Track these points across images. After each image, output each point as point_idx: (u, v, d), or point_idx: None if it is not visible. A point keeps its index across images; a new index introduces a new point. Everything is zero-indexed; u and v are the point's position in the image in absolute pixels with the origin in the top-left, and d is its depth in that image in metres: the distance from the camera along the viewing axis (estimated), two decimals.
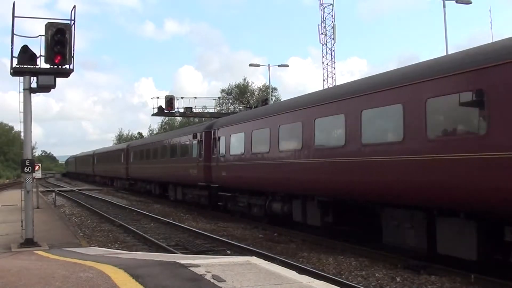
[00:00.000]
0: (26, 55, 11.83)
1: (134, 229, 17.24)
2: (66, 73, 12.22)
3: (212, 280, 6.41)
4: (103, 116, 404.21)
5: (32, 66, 11.87)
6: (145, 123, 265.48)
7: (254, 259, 8.39)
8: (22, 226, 12.20)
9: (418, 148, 10.04)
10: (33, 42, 12.17)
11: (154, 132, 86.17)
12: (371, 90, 11.65)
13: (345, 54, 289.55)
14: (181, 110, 39.08)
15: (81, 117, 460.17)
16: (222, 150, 20.71)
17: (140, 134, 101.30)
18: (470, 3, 29.49)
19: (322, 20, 45.40)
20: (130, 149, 40.96)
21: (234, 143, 19.77)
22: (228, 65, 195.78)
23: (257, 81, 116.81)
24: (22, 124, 12.03)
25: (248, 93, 66.19)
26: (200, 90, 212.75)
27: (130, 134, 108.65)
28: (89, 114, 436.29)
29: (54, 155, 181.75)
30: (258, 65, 40.61)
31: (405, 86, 10.55)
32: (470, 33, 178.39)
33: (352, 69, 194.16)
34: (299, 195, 15.14)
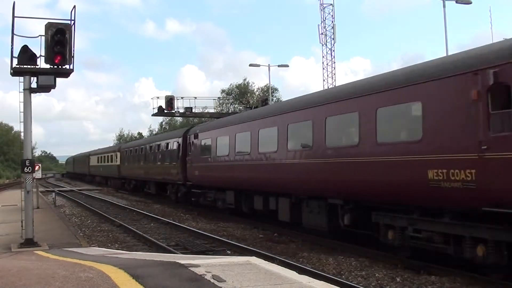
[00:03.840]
0: (26, 55, 11.85)
1: (134, 229, 17.23)
2: (66, 73, 12.24)
3: (212, 280, 6.40)
4: (105, 116, 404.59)
5: (32, 66, 11.88)
6: (147, 123, 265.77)
7: (254, 259, 8.39)
8: (22, 226, 12.21)
9: None
10: (33, 42, 12.20)
11: (154, 132, 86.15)
12: None
13: (349, 54, 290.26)
14: (181, 110, 39.06)
15: (83, 117, 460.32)
16: None
17: (140, 134, 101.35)
18: (470, 3, 29.52)
19: (322, 20, 45.47)
20: (192, 137, 24.58)
21: None
22: (231, 65, 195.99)
23: (260, 81, 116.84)
24: (22, 124, 12.04)
25: (248, 94, 66.20)
26: (202, 89, 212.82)
27: (130, 134, 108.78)
28: (91, 114, 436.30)
29: (54, 155, 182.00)
30: (258, 65, 40.70)
31: None
32: (474, 32, 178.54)
33: (356, 69, 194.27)
34: None
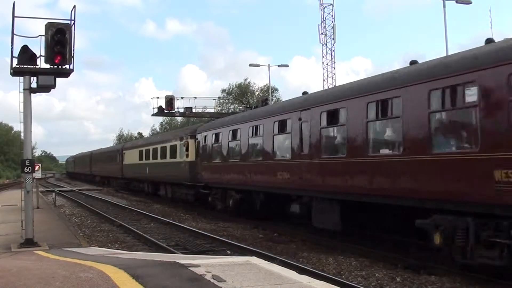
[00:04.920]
0: (26, 55, 11.85)
1: (134, 229, 17.24)
2: (66, 73, 12.24)
3: (212, 280, 6.40)
4: (106, 116, 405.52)
5: (32, 66, 11.88)
6: (148, 123, 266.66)
7: (254, 259, 8.38)
8: (22, 226, 12.21)
9: None
10: (33, 42, 12.20)
11: (156, 132, 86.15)
12: None
13: (349, 53, 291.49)
14: (181, 110, 39.05)
15: (83, 117, 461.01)
16: None
17: (140, 134, 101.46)
18: (470, 3, 29.55)
19: (322, 20, 45.53)
20: None
21: None
22: (232, 65, 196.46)
23: (261, 81, 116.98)
24: (22, 124, 12.04)
25: (249, 93, 66.25)
26: (203, 89, 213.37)
27: (129, 134, 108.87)
28: (91, 114, 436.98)
29: (54, 155, 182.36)
30: (258, 65, 40.74)
31: None
32: (474, 32, 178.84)
33: (357, 68, 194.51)
34: None
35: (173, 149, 28.17)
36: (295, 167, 14.76)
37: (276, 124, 16.12)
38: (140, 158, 35.90)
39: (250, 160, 18.16)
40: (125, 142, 77.46)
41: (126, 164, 40.71)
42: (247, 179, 18.23)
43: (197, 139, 24.35)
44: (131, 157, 39.15)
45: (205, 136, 23.05)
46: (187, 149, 25.23)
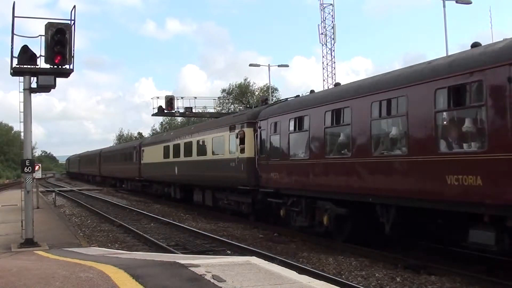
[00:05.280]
0: (26, 55, 11.85)
1: (134, 229, 17.25)
2: (66, 73, 12.25)
3: (212, 280, 6.40)
4: (106, 115, 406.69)
5: (32, 66, 11.89)
6: (148, 123, 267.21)
7: (254, 259, 8.38)
8: (22, 226, 12.21)
9: None
10: (33, 42, 12.20)
11: (156, 131, 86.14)
12: None
13: (350, 53, 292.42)
14: (181, 110, 39.04)
15: (83, 117, 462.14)
16: None
17: (140, 134, 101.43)
18: (470, 3, 29.56)
19: (322, 20, 45.53)
20: None
21: None
22: (233, 65, 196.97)
23: (262, 80, 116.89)
24: (22, 124, 12.05)
25: (249, 93, 66.28)
26: (203, 89, 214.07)
27: (129, 134, 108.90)
28: (91, 114, 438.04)
29: (54, 155, 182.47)
30: (258, 65, 40.79)
31: None
32: (474, 32, 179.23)
33: (358, 68, 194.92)
34: None
35: (218, 142, 21.43)
36: (493, 167, 8.45)
37: (442, 93, 9.58)
38: (166, 155, 29.18)
39: (374, 156, 11.52)
40: (125, 142, 77.03)
41: (146, 163, 34.08)
42: (365, 185, 11.83)
43: (259, 127, 17.39)
44: (152, 154, 32.49)
45: (276, 123, 16.20)
46: (242, 142, 18.50)
